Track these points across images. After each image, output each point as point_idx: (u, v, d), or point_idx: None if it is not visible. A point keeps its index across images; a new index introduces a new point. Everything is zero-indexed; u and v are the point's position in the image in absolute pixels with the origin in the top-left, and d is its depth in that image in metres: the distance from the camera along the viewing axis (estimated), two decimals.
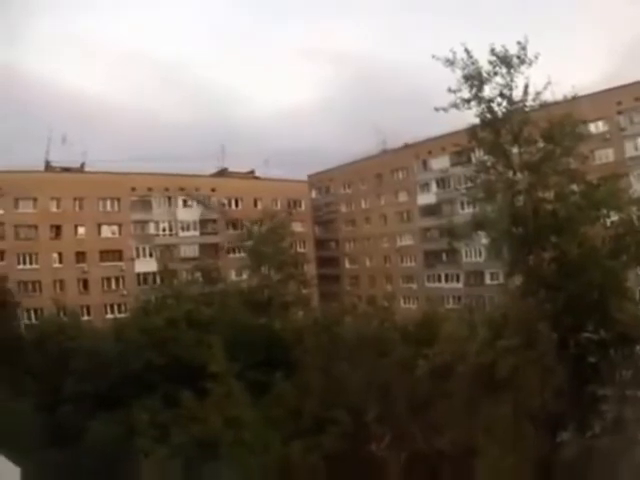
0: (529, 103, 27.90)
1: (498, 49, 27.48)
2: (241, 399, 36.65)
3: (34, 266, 63.86)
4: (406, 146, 74.90)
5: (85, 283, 66.35)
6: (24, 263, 63.37)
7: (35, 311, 58.79)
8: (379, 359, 35.45)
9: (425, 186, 75.12)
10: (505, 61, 27.45)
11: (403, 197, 77.77)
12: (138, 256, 70.48)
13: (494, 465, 25.09)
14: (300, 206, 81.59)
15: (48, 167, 67.88)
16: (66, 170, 67.96)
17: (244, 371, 37.98)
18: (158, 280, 64.80)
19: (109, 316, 63.01)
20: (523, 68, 27.55)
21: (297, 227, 76.62)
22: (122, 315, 60.54)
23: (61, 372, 42.07)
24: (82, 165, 68.63)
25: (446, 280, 71.37)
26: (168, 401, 37.51)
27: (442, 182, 71.66)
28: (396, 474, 30.46)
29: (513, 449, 24.86)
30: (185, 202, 75.41)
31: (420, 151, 74.44)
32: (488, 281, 60.13)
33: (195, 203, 75.50)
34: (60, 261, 65.47)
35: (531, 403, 25.52)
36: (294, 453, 33.23)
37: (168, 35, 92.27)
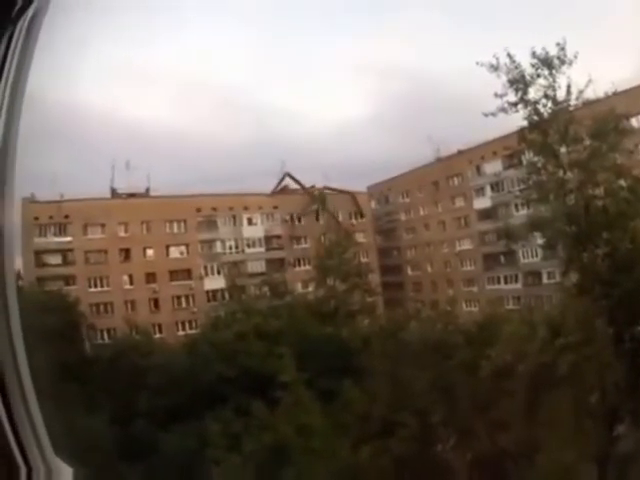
0: (573, 102, 28.35)
1: (538, 51, 28.04)
2: (311, 407, 37.43)
3: (105, 288, 65.41)
4: (459, 153, 74.92)
5: (156, 302, 67.67)
6: (95, 286, 64.99)
7: (108, 331, 60.37)
8: (444, 362, 35.82)
9: (480, 190, 74.90)
10: (546, 63, 27.91)
11: (460, 202, 77.63)
12: (206, 274, 71.43)
13: (557, 461, 25.37)
14: (362, 217, 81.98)
15: (114, 194, 69.50)
16: (132, 196, 69.42)
17: (313, 379, 38.75)
18: (227, 296, 66.08)
19: (180, 333, 64.33)
20: (564, 68, 28.02)
21: (359, 237, 77.44)
22: (193, 331, 61.88)
23: (135, 388, 43.33)
24: (147, 190, 69.83)
25: (505, 282, 70.96)
26: (239, 411, 38.51)
27: (496, 186, 71.34)
28: (462, 474, 30.82)
29: (574, 445, 25.15)
30: (250, 220, 76.49)
31: (473, 157, 74.30)
32: (545, 280, 59.70)
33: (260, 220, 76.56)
34: (131, 282, 67.01)
35: (590, 398, 25.83)
36: (363, 458, 33.78)
37: (221, 59, 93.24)
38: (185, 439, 38.10)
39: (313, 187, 79.39)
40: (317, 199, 75.54)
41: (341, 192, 79.03)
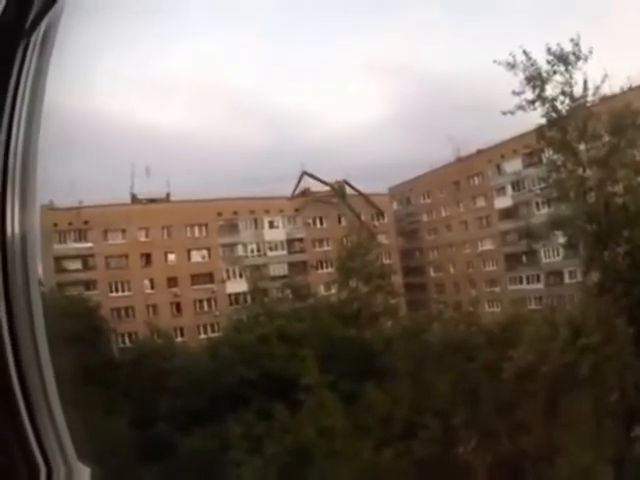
0: (589, 98, 28.20)
1: (554, 48, 27.89)
2: (333, 409, 37.42)
3: (126, 293, 65.37)
4: (479, 152, 74.34)
5: (178, 306, 67.64)
6: (116, 291, 64.96)
7: (129, 335, 60.43)
8: (466, 363, 35.70)
9: (501, 190, 74.08)
10: (562, 59, 27.77)
11: (481, 202, 76.71)
12: (228, 278, 71.25)
13: (575, 462, 25.12)
14: (383, 218, 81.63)
15: (134, 199, 69.61)
16: (152, 201, 69.85)
17: (336, 382, 38.80)
18: (249, 299, 66.08)
19: (202, 336, 64.41)
20: (580, 64, 27.88)
21: (382, 239, 77.09)
22: (215, 335, 61.99)
23: (156, 391, 43.44)
24: (167, 195, 69.81)
25: (527, 282, 70.29)
26: (261, 414, 38.55)
27: (517, 185, 70.57)
28: (483, 475, 30.64)
29: (593, 446, 24.90)
30: (271, 223, 76.40)
31: (493, 156, 73.70)
32: (567, 280, 59.07)
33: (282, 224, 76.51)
34: (152, 287, 67.07)
35: (610, 399, 25.56)
36: (385, 460, 33.69)
37: (236, 62, 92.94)
38: (206, 442, 38.12)
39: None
40: (337, 192, 75.32)
41: (359, 194, 78.64)
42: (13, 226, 3.10)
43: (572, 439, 26.03)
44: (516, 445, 29.55)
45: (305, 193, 78.42)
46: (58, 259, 62.36)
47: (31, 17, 3.02)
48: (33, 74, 3.15)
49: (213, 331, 64.97)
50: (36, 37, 3.13)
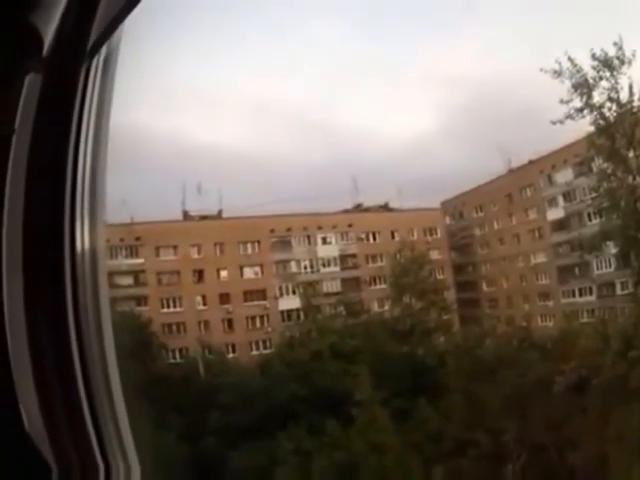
0: (636, 103, 27.77)
1: (598, 53, 27.52)
2: (385, 425, 37.21)
3: (178, 309, 65.62)
4: (530, 163, 73.22)
5: (230, 322, 67.50)
6: (168, 307, 65.32)
7: (180, 351, 60.84)
8: (518, 379, 35.30)
9: (552, 201, 72.86)
10: (607, 64, 27.37)
11: (533, 214, 75.41)
12: (281, 294, 71.25)
13: (624, 478, 24.58)
14: (436, 233, 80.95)
15: (186, 216, 70.31)
16: (204, 218, 70.28)
17: (389, 398, 38.59)
18: (302, 316, 66.13)
19: (254, 352, 64.52)
20: (624, 68, 27.46)
21: (434, 254, 76.44)
22: (267, 351, 62.11)
23: (206, 407, 43.59)
24: (219, 212, 70.26)
25: (580, 294, 68.83)
26: (312, 430, 38.46)
27: (568, 195, 69.34)
28: None
29: None
30: (324, 239, 76.23)
31: (544, 166, 72.53)
32: (619, 291, 57.68)
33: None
34: (204, 303, 67.21)
35: None
36: (435, 477, 33.42)
37: (287, 79, 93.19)
38: (255, 457, 38.07)
39: (386, 205, 79.00)
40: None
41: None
42: (83, 242, 3.27)
43: (621, 453, 25.42)
44: (565, 461, 29.03)
45: (358, 208, 78.23)
46: (109, 274, 62.62)
47: (91, 42, 3.10)
48: (98, 96, 3.28)
49: (265, 348, 64.97)
50: (97, 61, 3.25)
